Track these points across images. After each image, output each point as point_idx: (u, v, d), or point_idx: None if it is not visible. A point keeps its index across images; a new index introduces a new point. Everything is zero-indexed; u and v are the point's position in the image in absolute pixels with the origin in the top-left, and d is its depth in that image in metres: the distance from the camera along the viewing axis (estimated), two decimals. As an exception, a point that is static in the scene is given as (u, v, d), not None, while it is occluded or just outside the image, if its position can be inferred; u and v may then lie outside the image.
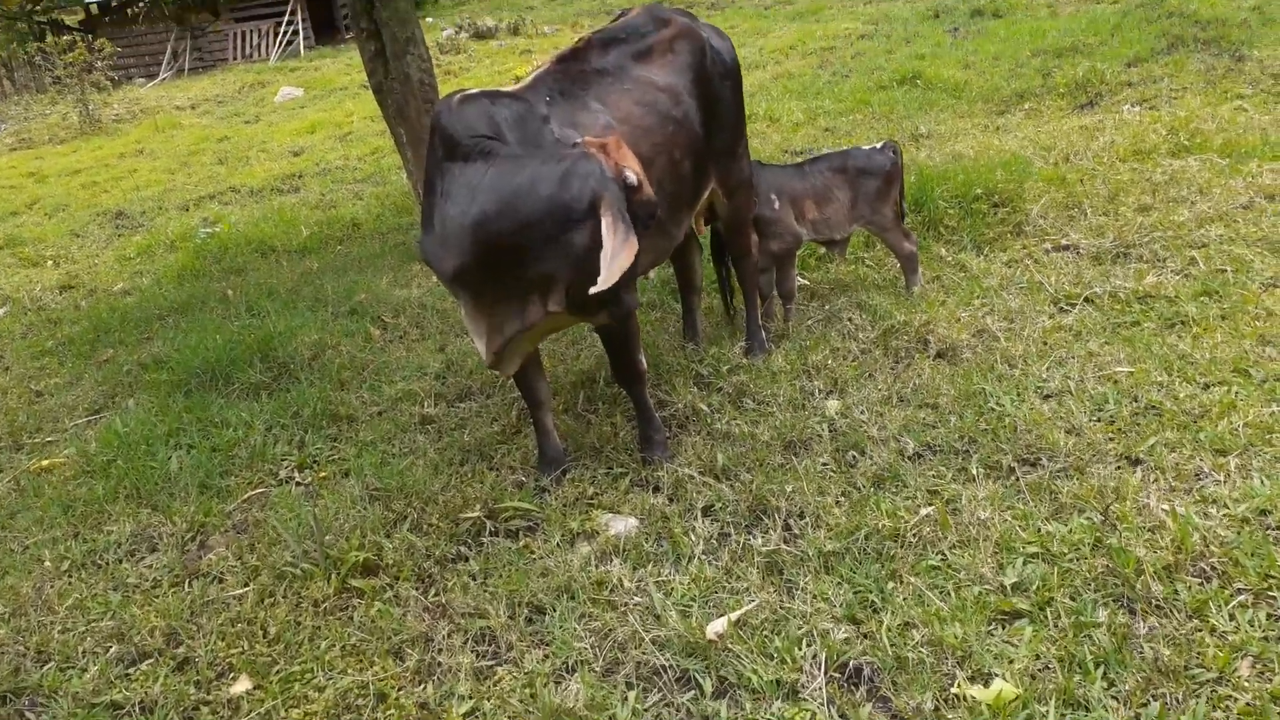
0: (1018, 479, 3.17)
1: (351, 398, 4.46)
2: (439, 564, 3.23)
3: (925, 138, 7.82)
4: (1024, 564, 2.73)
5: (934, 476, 3.26)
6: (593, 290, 2.79)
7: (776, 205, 4.48)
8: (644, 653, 2.69)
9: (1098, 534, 2.80)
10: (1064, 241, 5.18)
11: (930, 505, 3.07)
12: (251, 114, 16.87)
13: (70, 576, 3.45)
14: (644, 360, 3.55)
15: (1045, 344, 4.09)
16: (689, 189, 3.71)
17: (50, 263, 8.94)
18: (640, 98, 3.51)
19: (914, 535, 2.95)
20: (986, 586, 2.69)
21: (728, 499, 3.33)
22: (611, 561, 3.12)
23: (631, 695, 2.54)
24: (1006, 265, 5.03)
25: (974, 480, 3.21)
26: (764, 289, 4.63)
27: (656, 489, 3.49)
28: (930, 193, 5.67)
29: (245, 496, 3.81)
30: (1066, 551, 2.76)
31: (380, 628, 2.94)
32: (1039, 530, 2.88)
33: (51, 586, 3.38)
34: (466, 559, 3.25)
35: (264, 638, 2.97)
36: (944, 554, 2.86)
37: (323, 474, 3.90)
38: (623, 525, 3.28)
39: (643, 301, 5.12)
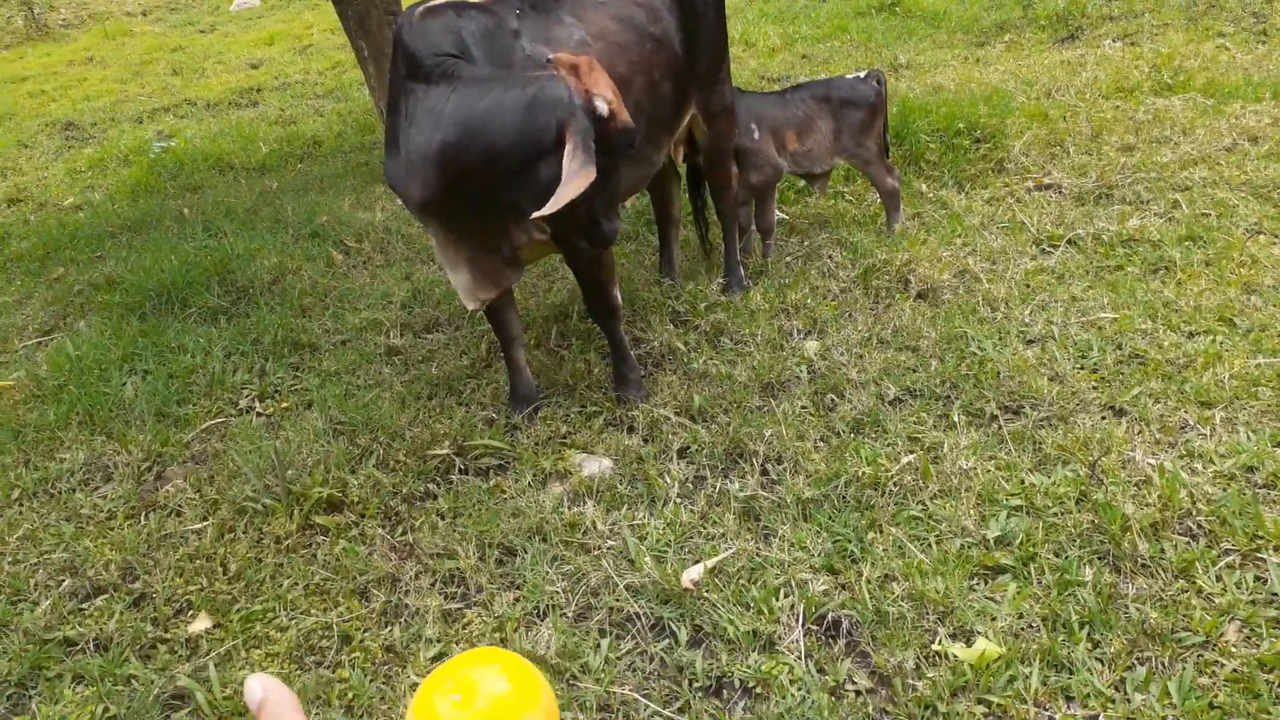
0: (1000, 427, 3.12)
1: (314, 325, 4.31)
2: (406, 502, 3.13)
3: (905, 68, 7.65)
4: (1007, 517, 2.69)
5: (915, 423, 3.20)
6: (535, 215, 2.63)
7: (756, 135, 4.33)
8: (617, 599, 2.63)
9: (1083, 487, 2.76)
10: (1046, 180, 5.09)
11: (911, 453, 3.02)
12: (206, 23, 16.19)
13: (21, 506, 3.32)
14: (619, 295, 3.43)
15: (1028, 286, 4.02)
16: (669, 112, 3.55)
17: (-2, 174, 8.58)
18: (617, 12, 3.32)
19: (895, 484, 2.89)
20: (969, 540, 2.64)
21: (704, 441, 3.25)
22: (585, 503, 3.04)
23: (604, 643, 2.48)
24: (988, 203, 4.94)
25: (956, 428, 3.16)
26: (743, 223, 4.51)
27: (631, 429, 3.41)
28: (911, 126, 5.54)
29: (204, 426, 3.68)
30: (1051, 505, 2.72)
31: (345, 567, 2.85)
32: (1023, 482, 2.84)
33: (0, 516, 3.24)
34: (435, 497, 3.16)
35: (224, 575, 2.88)
36: (925, 504, 2.81)
37: (284, 404, 3.77)
38: (596, 466, 3.19)
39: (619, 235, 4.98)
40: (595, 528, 2.93)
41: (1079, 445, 2.96)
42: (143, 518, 3.18)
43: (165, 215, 6.22)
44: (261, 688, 0.79)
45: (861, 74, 4.55)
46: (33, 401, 3.97)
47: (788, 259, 4.48)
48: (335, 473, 3.18)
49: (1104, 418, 3.13)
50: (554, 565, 2.79)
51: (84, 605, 2.82)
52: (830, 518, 2.81)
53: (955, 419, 3.19)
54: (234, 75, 11.78)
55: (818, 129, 4.44)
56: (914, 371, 3.52)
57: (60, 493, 3.36)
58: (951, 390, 3.38)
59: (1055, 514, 2.69)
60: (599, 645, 2.48)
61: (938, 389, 3.39)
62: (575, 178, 2.57)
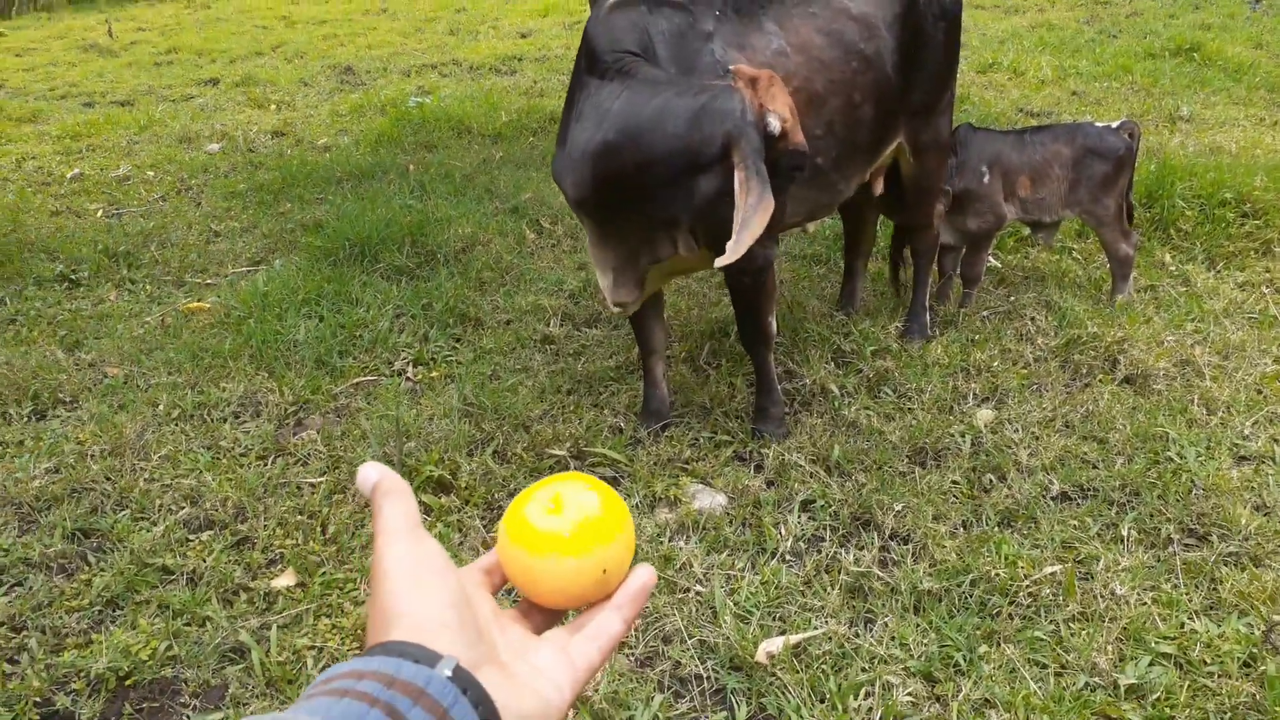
0: (1175, 554, 2.67)
1: (485, 301, 4.32)
2: (511, 496, 3.04)
3: (1185, 121, 6.86)
4: (1150, 664, 2.27)
5: (1074, 527, 2.80)
6: (719, 263, 2.45)
7: (986, 179, 3.94)
8: (685, 652, 2.43)
9: (1254, 649, 2.30)
10: (1319, 273, 4.38)
11: (1059, 563, 2.63)
12: (495, -13, 16.98)
13: (176, 425, 3.50)
14: (774, 323, 3.20)
15: (1259, 393, 3.45)
16: (866, 139, 3.26)
17: (274, 106, 9.28)
18: (825, 25, 3.07)
19: (1029, 594, 2.53)
20: (1097, 680, 2.25)
21: (832, 498, 2.98)
22: (688, 537, 2.86)
23: (657, 699, 2.30)
24: (1239, 288, 4.31)
25: (1121, 543, 2.73)
26: (946, 267, 4.14)
27: (758, 468, 3.18)
28: (1169, 188, 4.92)
29: (354, 381, 3.76)
30: (1209, 662, 2.28)
31: (434, 553, 2.80)
32: (1182, 626, 2.40)
33: (153, 433, 3.43)
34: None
35: (321, 535, 2.90)
36: (1058, 626, 2.43)
37: (434, 373, 3.80)
38: (709, 500, 3.00)
39: (806, 254, 4.72)
40: (690, 567, 2.73)
41: (1266, 596, 2.47)
42: (271, 460, 3.27)
43: (393, 169, 6.50)
44: (377, 472, 0.81)
45: (1115, 124, 4.05)
46: (218, 327, 4.21)
47: (984, 313, 4.07)
48: (452, 454, 3.15)
49: (1312, 570, 2.61)
50: (635, 599, 2.62)
51: (192, 536, 2.93)
52: (944, 617, 2.48)
53: (1123, 532, 2.76)
54: (503, 42, 12.24)
55: (1054, 176, 4.00)
56: (1093, 467, 3.09)
57: (212, 420, 3.52)
58: (1131, 498, 2.93)
59: (1211, 674, 2.25)
60: (650, 700, 2.30)
61: (1114, 493, 2.95)
62: (755, 214, 2.38)
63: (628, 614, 0.85)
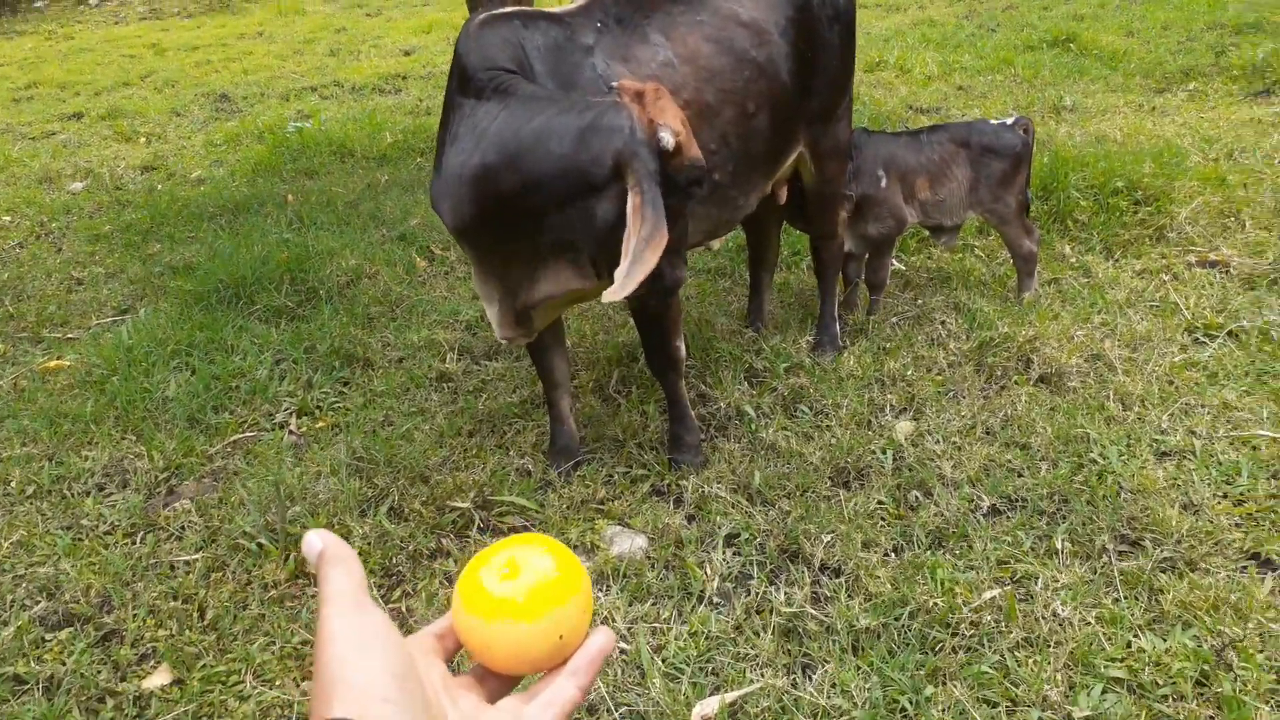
0: (1111, 563, 2.57)
1: (373, 339, 4.04)
2: (412, 559, 2.80)
3: (1068, 111, 6.94)
4: (1102, 692, 2.15)
5: (1008, 543, 2.68)
6: (606, 298, 2.26)
7: (884, 183, 3.83)
8: (613, 723, 2.23)
9: (1205, 665, 2.20)
10: (1212, 256, 4.40)
11: (998, 584, 2.50)
12: (375, 6, 16.50)
13: (31, 503, 3.15)
14: (683, 347, 3.02)
15: (1171, 384, 3.41)
16: (764, 150, 3.11)
17: (143, 139, 8.76)
18: (714, 33, 2.90)
19: (970, 623, 2.39)
20: (1049, 715, 2.12)
21: (757, 530, 2.81)
22: (607, 587, 2.65)
23: (585, 781, 2.09)
24: (1139, 276, 4.30)
25: (1056, 556, 2.62)
26: (851, 275, 4.02)
27: (678, 501, 3.00)
28: (1062, 179, 4.91)
29: (232, 439, 3.45)
30: (1160, 683, 2.17)
31: (328, 629, 2.53)
32: (1129, 645, 2.29)
33: (3, 516, 3.07)
34: (446, 554, 2.82)
35: (199, 621, 2.61)
36: (1003, 656, 2.30)
37: (320, 424, 3.51)
38: (629, 544, 2.80)
39: (710, 268, 4.57)
40: (612, 621, 2.53)
41: (1208, 604, 2.38)
42: (139, 537, 2.95)
43: (271, 199, 6.14)
44: (321, 540, 0.79)
45: (1008, 120, 3.99)
46: (79, 388, 3.84)
47: (894, 319, 3.97)
48: (342, 516, 2.88)
49: (1244, 568, 2.54)
50: (553, 664, 2.40)
51: (49, 636, 2.59)
52: (885, 656, 2.33)
53: (1058, 544, 2.65)
54: (385, 60, 11.85)
55: (953, 177, 3.91)
56: (1019, 475, 2.98)
57: (72, 495, 3.18)
58: (1060, 506, 2.84)
59: (1164, 697, 2.14)
60: (577, 782, 2.09)
61: (1043, 502, 2.85)
62: (647, 247, 2.19)
63: (583, 681, 0.83)
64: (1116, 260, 4.46)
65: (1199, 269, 4.30)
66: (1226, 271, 4.25)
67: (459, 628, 0.85)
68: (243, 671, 2.43)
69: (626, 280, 2.19)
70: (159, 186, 7.19)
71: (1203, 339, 3.72)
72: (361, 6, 16.61)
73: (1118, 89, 7.50)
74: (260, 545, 2.79)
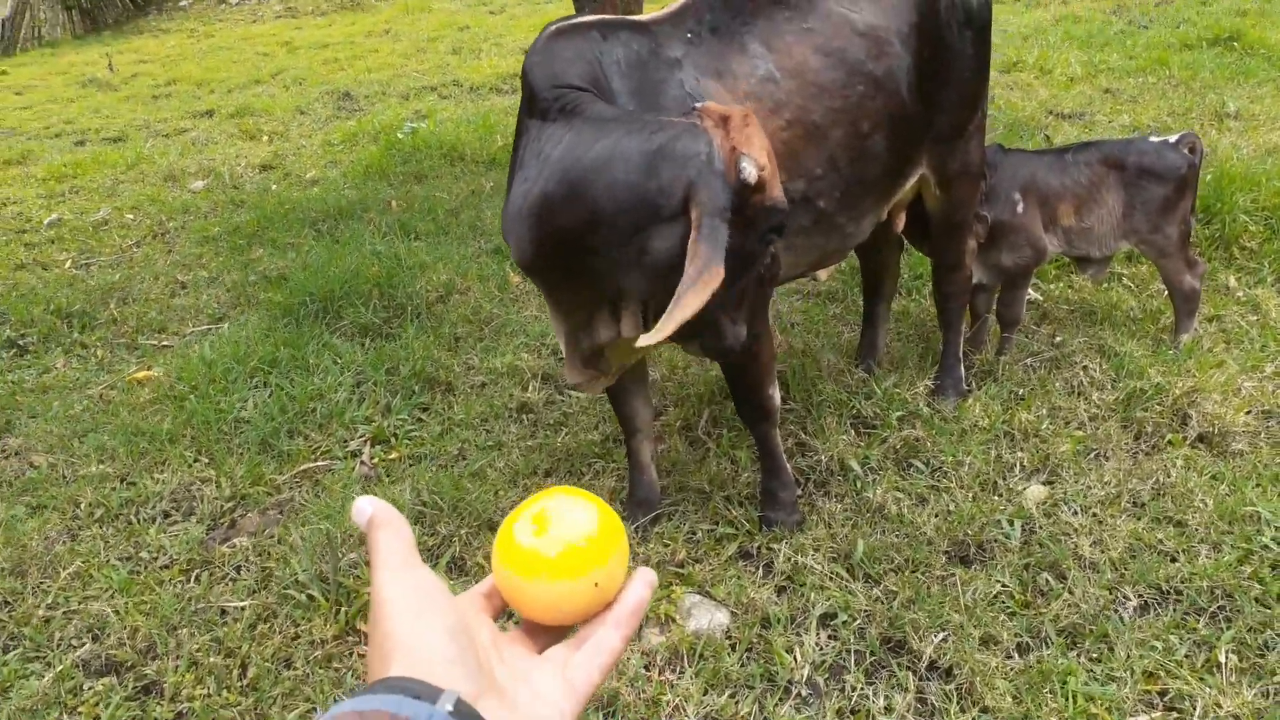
0: (1291, 689, 2.13)
1: (457, 361, 3.82)
2: (471, 621, 2.55)
3: (1232, 119, 6.26)
4: None
5: (1158, 650, 2.25)
6: (641, 342, 1.95)
7: (1020, 209, 3.39)
8: None
9: None
10: None
11: (1144, 708, 2.09)
12: (498, 4, 16.54)
13: (94, 529, 3.04)
14: (776, 395, 2.67)
15: (1364, 453, 2.89)
16: (879, 174, 2.72)
17: (266, 138, 8.88)
18: (825, 42, 2.54)
19: (1109, 756, 1.99)
20: None
21: (856, 610, 2.46)
22: (681, 670, 2.34)
23: None
24: (1320, 315, 3.74)
25: (1219, 672, 2.18)
26: (979, 308, 3.59)
27: (768, 568, 2.66)
28: (1228, 200, 4.35)
29: (302, 468, 3.27)
30: None
31: (373, 699, 2.31)
32: (1315, 804, 1.86)
33: (66, 543, 2.97)
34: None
35: (239, 679, 2.41)
36: (1150, 806, 1.90)
37: (393, 455, 3.31)
38: (708, 619, 2.48)
39: (819, 291, 4.19)
40: (683, 713, 2.22)
41: None
42: (194, 576, 2.79)
43: (376, 204, 6.04)
44: (371, 505, 0.80)
45: (1173, 138, 3.49)
46: (162, 402, 3.75)
47: (1028, 360, 3.52)
48: (398, 568, 2.66)
49: None
50: (612, 764, 2.12)
51: (88, 684, 2.44)
52: (1001, 789, 1.96)
53: (1221, 657, 2.21)
54: (505, 59, 11.79)
55: (1103, 202, 3.43)
56: (1172, 560, 2.54)
57: (138, 522, 3.06)
58: (1224, 603, 2.39)
59: None
60: None
61: (1202, 597, 2.41)
62: (690, 288, 1.87)
63: (626, 630, 0.84)
64: (1292, 295, 3.89)
65: (1395, 309, 3.71)
66: None
67: (499, 583, 0.85)
68: (277, 743, 2.23)
69: (664, 323, 1.87)
70: (274, 187, 7.22)
71: (1401, 396, 3.17)
72: (485, 4, 16.68)
73: (1291, 94, 6.75)
74: (310, 597, 2.59)
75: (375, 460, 3.29)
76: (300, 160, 8.03)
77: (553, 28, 2.33)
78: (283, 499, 3.14)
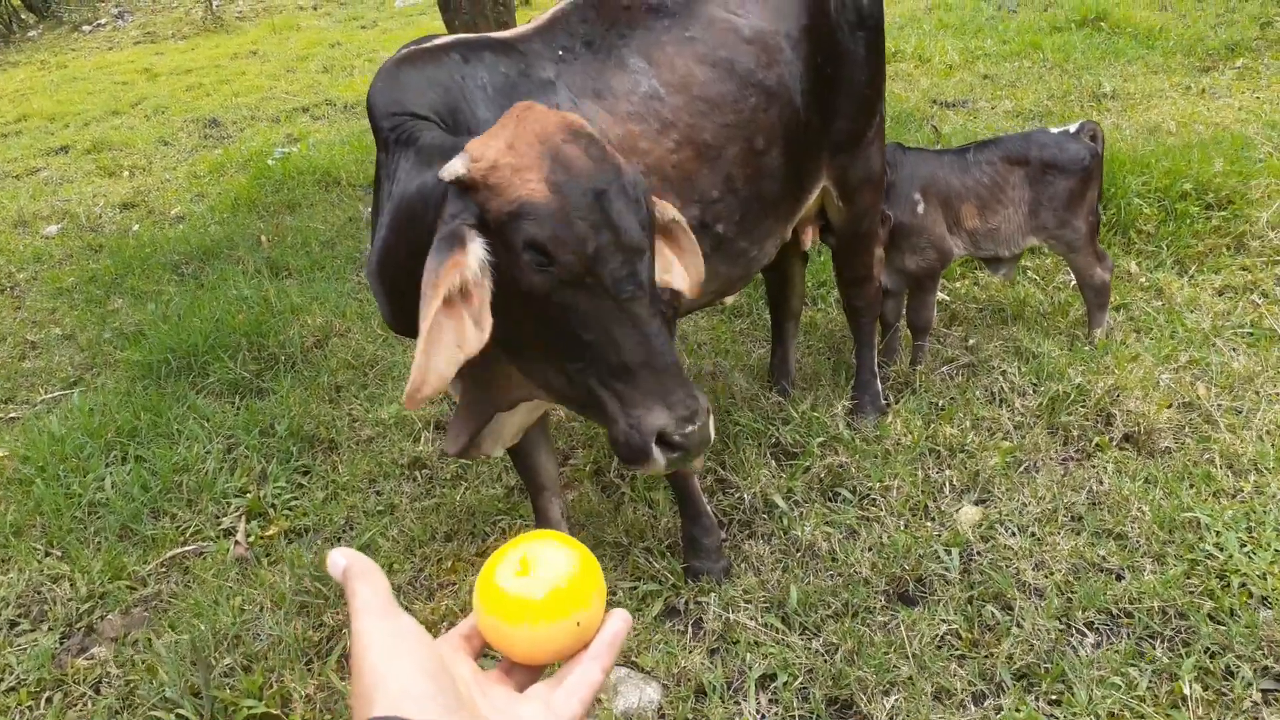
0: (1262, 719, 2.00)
1: (339, 414, 3.50)
2: (370, 724, 2.26)
3: (1109, 98, 6.31)
4: None
5: (1121, 686, 2.10)
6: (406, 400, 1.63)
7: (921, 209, 3.24)
8: None
9: None
10: (1307, 268, 3.80)
11: (1114, 758, 1.93)
12: (370, 18, 15.99)
13: (-72, 650, 2.64)
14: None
15: (1289, 440, 2.83)
16: (779, 192, 2.51)
17: (126, 173, 8.29)
18: (710, 52, 2.32)
19: (1085, 820, 1.82)
20: None
21: (798, 668, 2.25)
22: (611, 760, 2.10)
23: None
24: (1221, 295, 3.71)
25: (1184, 706, 2.04)
26: (890, 317, 3.44)
27: (697, 626, 2.44)
28: (1120, 183, 4.31)
29: (169, 554, 2.92)
30: None
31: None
32: None
33: (-111, 672, 2.56)
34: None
35: (100, 827, 2.08)
36: None
37: (271, 530, 2.98)
38: (637, 696, 2.24)
39: (723, 307, 3.99)
40: (617, 811, 1.98)
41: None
42: (45, 700, 2.43)
43: (245, 241, 5.63)
44: (345, 558, 0.82)
45: (1071, 127, 3.38)
46: (7, 488, 3.33)
47: (944, 369, 3.38)
48: (280, 673, 2.34)
49: None
50: None
51: None
52: None
53: (1186, 690, 2.07)
54: (378, 76, 11.36)
55: (1008, 201, 3.30)
56: (1118, 579, 2.41)
57: (-23, 637, 2.67)
58: (1178, 623, 2.26)
59: None
60: None
61: (1156, 619, 2.27)
62: (438, 346, 1.56)
63: (605, 663, 0.86)
64: (1192, 277, 3.86)
65: (1293, 286, 3.70)
66: (1327, 288, 3.65)
67: (482, 627, 0.87)
68: None
69: (411, 384, 1.58)
70: (135, 227, 6.71)
71: (1314, 377, 3.12)
72: (356, 19, 16.14)
73: (1159, 70, 6.87)
74: (181, 717, 2.26)
75: (251, 539, 2.95)
76: (164, 196, 7.52)
77: (403, 51, 2.04)
78: (148, 594, 2.77)
